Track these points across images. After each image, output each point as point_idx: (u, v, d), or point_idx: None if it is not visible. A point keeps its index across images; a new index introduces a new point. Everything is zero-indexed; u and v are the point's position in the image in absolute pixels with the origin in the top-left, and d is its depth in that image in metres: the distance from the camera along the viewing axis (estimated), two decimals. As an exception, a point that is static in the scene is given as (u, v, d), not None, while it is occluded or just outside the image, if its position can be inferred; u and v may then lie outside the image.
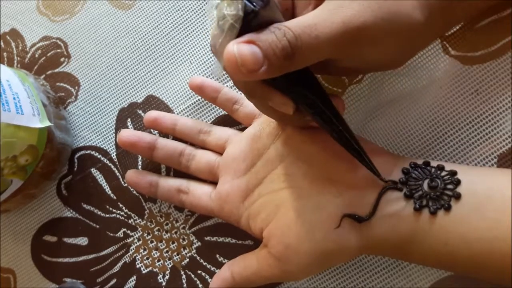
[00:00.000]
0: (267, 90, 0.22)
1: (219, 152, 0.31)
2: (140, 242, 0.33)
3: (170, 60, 0.34)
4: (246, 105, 0.31)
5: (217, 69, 0.21)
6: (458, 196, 0.23)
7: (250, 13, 0.19)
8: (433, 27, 0.24)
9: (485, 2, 0.26)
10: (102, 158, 0.34)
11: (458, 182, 0.23)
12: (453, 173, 0.24)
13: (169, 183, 0.31)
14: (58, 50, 0.36)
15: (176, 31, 0.34)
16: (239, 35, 0.19)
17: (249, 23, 0.19)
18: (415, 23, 0.22)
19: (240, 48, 0.19)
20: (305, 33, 0.20)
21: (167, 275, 0.33)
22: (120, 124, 0.35)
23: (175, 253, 0.33)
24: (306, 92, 0.22)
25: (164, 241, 0.33)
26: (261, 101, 0.24)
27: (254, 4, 0.19)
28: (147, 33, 0.35)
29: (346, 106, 0.31)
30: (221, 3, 0.19)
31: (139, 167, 0.34)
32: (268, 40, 0.19)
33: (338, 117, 0.23)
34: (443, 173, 0.24)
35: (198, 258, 0.32)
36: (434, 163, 0.25)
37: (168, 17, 0.35)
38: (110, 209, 0.34)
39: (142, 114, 0.34)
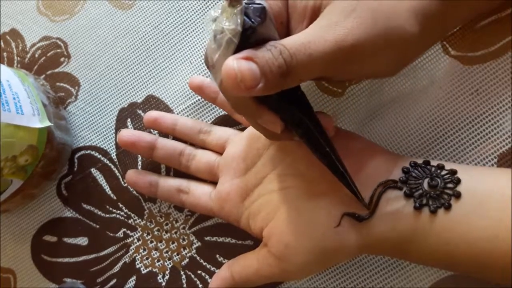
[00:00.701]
0: (257, 108, 0.22)
1: (219, 152, 0.31)
2: (140, 242, 0.33)
3: (170, 60, 0.34)
4: None
5: (212, 82, 0.21)
6: (458, 195, 0.23)
7: (248, 29, 0.19)
8: (428, 36, 0.24)
9: (481, 8, 0.26)
10: (102, 158, 0.34)
11: (458, 181, 0.23)
12: (453, 172, 0.24)
13: (169, 183, 0.31)
14: (58, 50, 0.36)
15: (176, 31, 0.34)
16: (236, 50, 0.19)
17: (247, 39, 0.19)
18: (409, 35, 0.22)
19: (240, 64, 0.19)
20: (300, 51, 0.20)
21: (167, 275, 0.33)
22: (120, 124, 0.35)
23: (175, 253, 0.33)
24: (295, 111, 0.23)
25: (164, 241, 0.33)
26: (250, 117, 0.24)
27: (253, 20, 0.19)
28: (147, 33, 0.35)
29: (346, 106, 0.31)
30: (220, 17, 0.19)
31: (139, 167, 0.34)
32: (265, 58, 0.19)
33: (325, 137, 0.23)
34: (443, 172, 0.24)
35: (198, 258, 0.32)
36: (434, 162, 0.25)
37: (168, 17, 0.35)
38: (110, 209, 0.34)
39: (142, 114, 0.34)
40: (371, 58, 0.22)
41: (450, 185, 0.23)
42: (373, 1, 0.22)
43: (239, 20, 0.19)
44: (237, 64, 0.19)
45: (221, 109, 0.33)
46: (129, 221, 0.34)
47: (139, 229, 0.33)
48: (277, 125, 0.23)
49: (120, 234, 0.34)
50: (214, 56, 0.20)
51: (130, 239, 0.33)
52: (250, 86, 0.19)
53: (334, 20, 0.21)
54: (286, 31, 0.24)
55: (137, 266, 0.33)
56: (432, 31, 0.24)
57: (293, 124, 0.23)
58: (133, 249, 0.33)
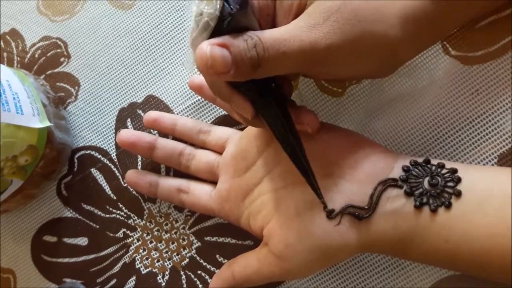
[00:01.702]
0: (230, 91, 0.23)
1: (219, 151, 0.31)
2: (140, 242, 0.33)
3: (170, 60, 0.34)
4: None
5: (188, 61, 0.22)
6: (458, 194, 0.23)
7: (226, 15, 0.20)
8: (418, 39, 0.24)
9: (477, 10, 0.26)
10: (102, 158, 0.34)
11: (458, 180, 0.23)
12: (453, 171, 0.24)
13: (169, 183, 0.31)
14: (58, 50, 0.36)
15: (176, 31, 0.34)
16: (213, 34, 0.20)
17: (225, 24, 0.20)
18: (394, 40, 0.22)
19: (212, 49, 0.20)
20: (274, 47, 0.20)
21: (167, 275, 0.33)
22: (120, 124, 0.35)
23: (175, 254, 0.33)
24: (266, 100, 0.23)
25: (163, 242, 0.33)
26: (224, 100, 0.24)
27: (232, 7, 0.20)
28: (147, 33, 0.35)
29: (346, 106, 0.31)
30: (201, 1, 0.20)
31: (139, 167, 0.34)
32: (239, 47, 0.20)
33: (293, 131, 0.24)
34: (444, 171, 0.24)
35: (198, 258, 0.32)
36: (434, 161, 0.25)
37: (168, 17, 0.35)
38: (110, 209, 0.34)
39: (142, 114, 0.34)
40: (348, 61, 0.22)
41: (450, 184, 0.23)
42: (358, 3, 0.22)
43: (218, 6, 0.20)
44: (210, 49, 0.20)
45: (221, 109, 0.33)
46: (129, 221, 0.34)
47: (139, 229, 0.33)
48: (247, 111, 0.23)
49: (120, 234, 0.34)
50: (192, 36, 0.20)
51: (130, 239, 0.33)
52: (220, 71, 0.20)
53: (312, 22, 0.21)
54: (272, 24, 0.24)
55: (137, 266, 0.33)
56: (424, 35, 0.24)
57: (264, 113, 0.23)
58: (133, 249, 0.33)
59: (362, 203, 0.24)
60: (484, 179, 0.23)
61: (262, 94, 0.23)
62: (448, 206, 0.23)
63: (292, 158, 0.24)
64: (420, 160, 0.25)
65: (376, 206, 0.24)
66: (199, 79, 0.32)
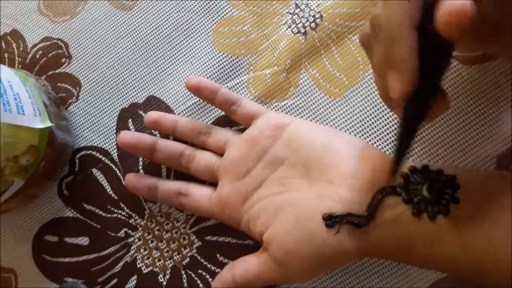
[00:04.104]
0: (411, 45, 0.18)
1: (219, 153, 0.31)
2: (141, 242, 0.33)
3: (171, 61, 0.34)
4: (244, 106, 0.31)
5: None
6: (456, 201, 0.23)
7: None
8: None
9: None
10: (103, 158, 0.35)
11: (456, 187, 0.23)
12: (452, 177, 0.24)
13: (168, 186, 0.31)
14: (59, 51, 0.36)
15: (177, 32, 0.35)
16: None
17: None
18: None
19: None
20: None
21: (168, 274, 0.33)
22: (121, 124, 0.35)
23: (176, 253, 0.33)
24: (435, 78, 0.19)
25: (164, 241, 0.33)
26: (392, 51, 0.19)
27: None
28: (148, 34, 0.35)
29: (345, 106, 0.31)
30: None
31: (140, 167, 0.34)
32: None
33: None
34: (442, 178, 0.24)
35: (198, 257, 0.32)
36: (433, 167, 0.25)
37: (169, 18, 0.35)
38: (111, 209, 0.34)
39: (143, 115, 0.34)
40: None
41: (448, 191, 0.23)
42: None
43: None
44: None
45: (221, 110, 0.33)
46: (130, 221, 0.34)
47: (140, 228, 0.33)
48: (409, 78, 0.18)
49: (121, 233, 0.34)
50: None
51: (131, 239, 0.33)
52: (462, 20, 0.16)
53: None
54: None
55: (138, 266, 0.33)
56: None
57: (422, 90, 0.19)
58: (134, 248, 0.33)
59: (361, 212, 0.24)
60: (483, 186, 0.23)
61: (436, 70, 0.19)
62: (446, 213, 0.23)
63: (404, 138, 0.22)
64: (418, 166, 0.25)
65: (375, 214, 0.24)
66: (196, 79, 0.31)
